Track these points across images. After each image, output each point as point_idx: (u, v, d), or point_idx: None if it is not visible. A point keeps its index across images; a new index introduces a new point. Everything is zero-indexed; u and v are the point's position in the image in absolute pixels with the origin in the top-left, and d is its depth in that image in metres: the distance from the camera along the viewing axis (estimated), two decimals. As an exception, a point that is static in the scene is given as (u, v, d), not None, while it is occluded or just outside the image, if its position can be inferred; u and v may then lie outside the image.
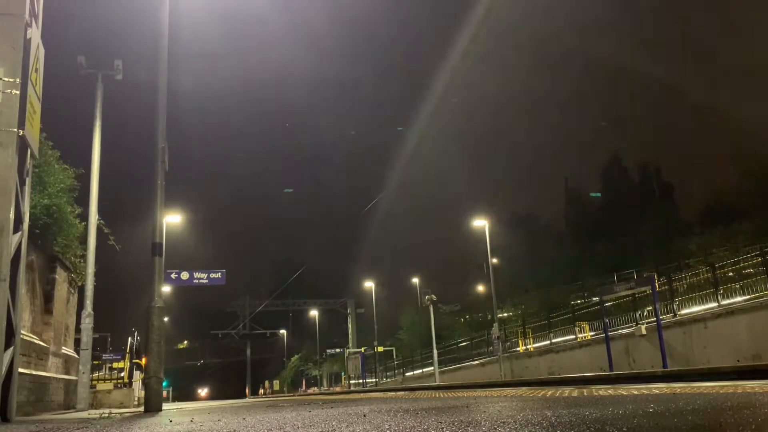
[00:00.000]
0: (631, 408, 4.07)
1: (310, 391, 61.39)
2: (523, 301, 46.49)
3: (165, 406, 10.95)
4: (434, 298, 37.32)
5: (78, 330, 14.54)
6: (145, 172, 10.48)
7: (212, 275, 21.29)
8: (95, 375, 19.84)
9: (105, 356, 25.32)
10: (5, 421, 6.06)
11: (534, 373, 28.49)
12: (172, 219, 26.94)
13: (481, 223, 35.82)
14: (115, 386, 18.99)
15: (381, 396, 13.20)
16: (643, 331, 22.07)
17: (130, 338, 22.65)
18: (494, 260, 37.68)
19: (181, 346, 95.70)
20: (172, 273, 20.55)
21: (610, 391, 7.48)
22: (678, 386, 8.56)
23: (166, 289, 25.78)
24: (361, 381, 53.35)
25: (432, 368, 37.62)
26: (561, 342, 28.90)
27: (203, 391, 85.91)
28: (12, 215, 6.15)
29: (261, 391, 74.89)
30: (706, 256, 29.59)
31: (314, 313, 70.89)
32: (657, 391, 6.71)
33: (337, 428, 3.72)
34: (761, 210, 33.00)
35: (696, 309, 21.24)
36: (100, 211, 14.73)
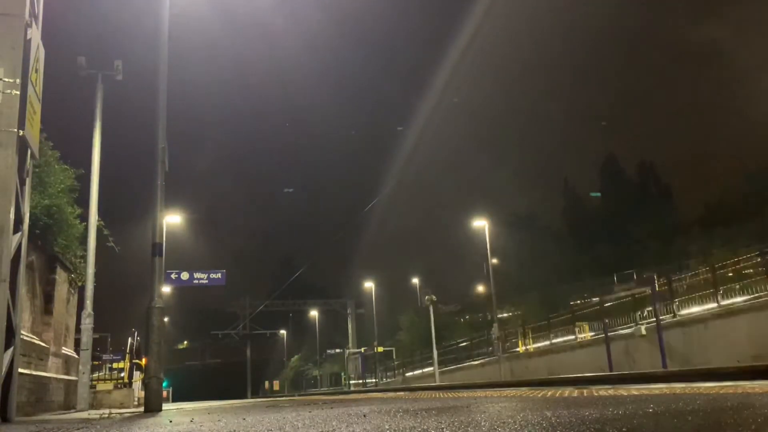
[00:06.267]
0: (631, 408, 4.07)
1: None
2: (523, 301, 46.49)
3: (165, 406, 10.95)
4: (434, 298, 37.32)
5: (78, 330, 14.53)
6: (145, 173, 10.48)
7: (212, 275, 21.29)
8: (95, 375, 19.80)
9: (105, 356, 25.27)
10: (5, 422, 6.06)
11: (534, 374, 28.48)
12: (172, 219, 26.95)
13: (481, 224, 35.84)
14: (115, 386, 18.96)
15: (381, 396, 13.20)
16: (643, 332, 22.06)
17: (130, 338, 22.60)
18: (494, 260, 37.69)
19: (181, 347, 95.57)
20: (172, 273, 20.55)
21: (610, 392, 7.48)
22: (678, 387, 8.57)
23: (166, 289, 25.78)
24: (361, 381, 53.34)
25: (432, 368, 37.61)
26: (561, 342, 28.89)
27: None
28: (12, 215, 6.15)
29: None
30: (705, 256, 29.59)
31: (314, 313, 70.85)
32: (657, 392, 6.71)
33: (337, 428, 3.72)
34: (761, 210, 33.00)
35: (696, 309, 21.24)
36: (100, 211, 14.73)
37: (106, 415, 8.15)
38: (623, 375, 15.92)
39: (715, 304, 20.32)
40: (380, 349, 52.69)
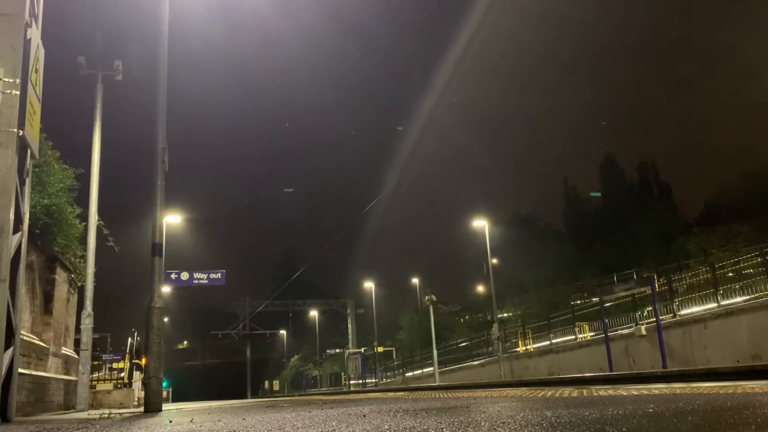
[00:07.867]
0: (630, 408, 4.07)
1: None
2: (523, 301, 46.48)
3: (165, 406, 10.94)
4: (434, 298, 37.32)
5: (78, 330, 14.52)
6: (145, 173, 10.48)
7: (212, 275, 21.22)
8: (95, 375, 19.77)
9: (105, 356, 25.27)
10: (5, 422, 6.06)
11: (534, 374, 28.49)
12: (172, 219, 26.96)
13: (481, 224, 35.84)
14: (115, 386, 18.95)
15: (381, 396, 13.20)
16: (643, 332, 22.07)
17: (130, 338, 22.61)
18: (494, 260, 37.68)
19: (181, 347, 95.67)
20: (172, 273, 20.50)
21: (610, 392, 7.49)
22: (678, 386, 8.57)
23: (166, 289, 25.77)
24: (361, 381, 53.33)
25: (432, 368, 37.61)
26: (561, 342, 28.89)
27: None
28: (12, 215, 6.15)
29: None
30: (705, 256, 29.57)
31: (314, 313, 70.83)
32: (657, 392, 6.71)
33: (336, 428, 3.72)
34: (761, 210, 32.98)
35: (696, 309, 21.25)
36: (100, 211, 14.71)
37: (106, 415, 8.14)
38: (623, 375, 15.92)
39: (715, 304, 20.32)
40: (380, 349, 52.68)
